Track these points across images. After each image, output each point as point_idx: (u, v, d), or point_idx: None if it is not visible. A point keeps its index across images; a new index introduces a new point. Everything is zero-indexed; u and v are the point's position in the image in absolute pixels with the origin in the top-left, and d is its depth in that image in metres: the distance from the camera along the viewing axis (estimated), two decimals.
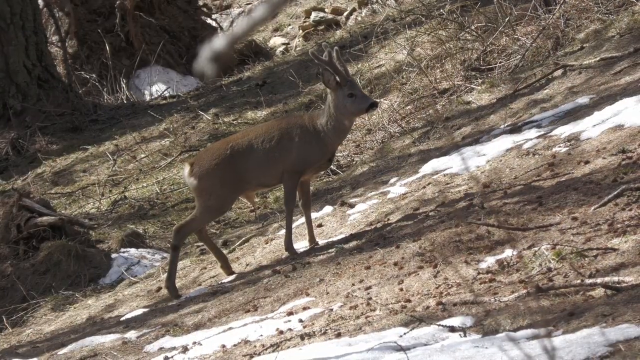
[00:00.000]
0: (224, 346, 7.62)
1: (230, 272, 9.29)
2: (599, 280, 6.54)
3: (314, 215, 10.06)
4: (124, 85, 17.96)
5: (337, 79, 9.05)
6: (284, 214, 9.26)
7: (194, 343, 7.88)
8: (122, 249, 11.96)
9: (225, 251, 10.40)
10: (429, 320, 6.66)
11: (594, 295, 6.48)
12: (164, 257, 11.67)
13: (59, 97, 16.72)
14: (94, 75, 18.33)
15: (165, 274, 9.35)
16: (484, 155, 9.70)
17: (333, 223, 9.66)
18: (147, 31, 19.19)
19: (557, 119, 10.03)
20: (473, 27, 13.04)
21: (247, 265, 9.57)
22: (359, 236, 9.00)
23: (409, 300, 7.28)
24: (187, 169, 9.01)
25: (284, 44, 21.12)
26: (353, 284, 7.94)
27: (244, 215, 12.53)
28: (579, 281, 6.63)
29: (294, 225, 10.09)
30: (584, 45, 11.71)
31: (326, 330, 7.18)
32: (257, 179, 9.02)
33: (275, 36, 21.77)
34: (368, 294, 7.66)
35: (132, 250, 11.93)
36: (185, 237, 9.18)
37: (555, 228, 7.58)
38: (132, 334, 8.73)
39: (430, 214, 8.80)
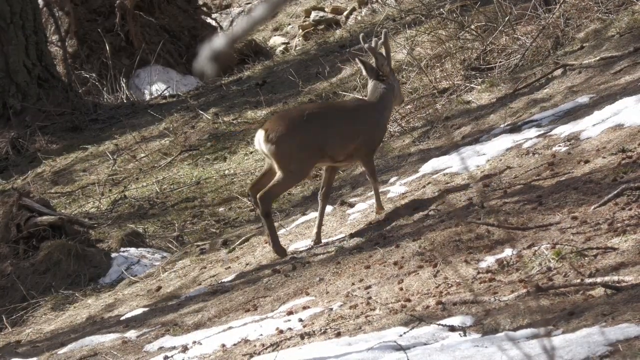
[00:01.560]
0: (223, 345, 7.62)
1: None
2: (598, 279, 6.54)
3: (313, 214, 10.06)
4: (124, 85, 17.96)
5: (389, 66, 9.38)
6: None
7: (194, 342, 7.88)
8: (122, 249, 11.96)
9: (225, 251, 10.41)
10: (428, 320, 6.66)
11: (594, 295, 6.48)
12: (164, 257, 11.67)
13: (58, 96, 16.71)
14: (93, 75, 18.33)
15: (270, 239, 9.14)
16: (483, 154, 9.70)
17: (333, 222, 9.66)
18: (147, 31, 19.19)
19: (557, 119, 10.03)
20: (473, 27, 13.04)
21: (247, 264, 9.57)
22: (359, 235, 9.00)
23: (408, 300, 7.28)
24: (261, 134, 8.91)
25: (283, 43, 21.12)
26: (353, 284, 7.95)
27: (244, 215, 12.53)
28: (578, 280, 6.63)
29: (294, 224, 10.10)
30: (584, 45, 11.71)
31: (326, 329, 7.18)
32: (331, 151, 9.04)
33: (275, 35, 21.77)
34: (368, 293, 7.66)
35: (132, 250, 11.93)
36: (271, 202, 9.07)
37: (555, 227, 7.58)
38: (132, 334, 8.73)
39: (430, 213, 8.80)
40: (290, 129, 8.91)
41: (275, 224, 10.44)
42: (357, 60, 9.73)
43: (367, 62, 9.44)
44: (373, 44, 9.41)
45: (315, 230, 9.25)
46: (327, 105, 9.24)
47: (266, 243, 9.91)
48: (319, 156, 9.01)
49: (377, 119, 9.21)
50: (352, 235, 9.08)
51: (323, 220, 9.27)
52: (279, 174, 8.90)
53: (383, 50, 9.43)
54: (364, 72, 9.49)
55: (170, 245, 12.13)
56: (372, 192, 9.38)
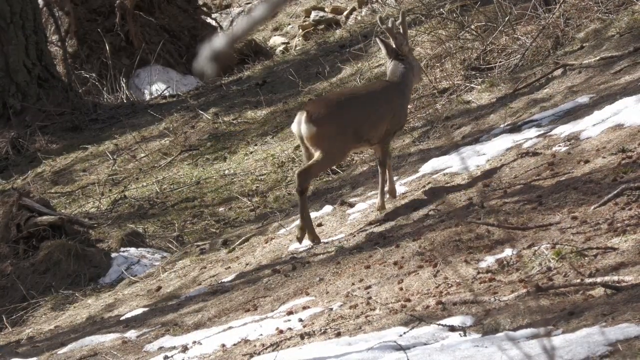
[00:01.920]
0: (223, 345, 7.62)
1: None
2: (598, 279, 6.54)
3: (313, 215, 10.06)
4: (124, 85, 17.96)
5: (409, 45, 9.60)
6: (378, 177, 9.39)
7: (194, 342, 7.88)
8: (122, 249, 11.96)
9: (225, 251, 10.41)
10: (428, 320, 6.66)
11: (594, 295, 6.48)
12: (164, 257, 11.67)
13: (58, 96, 16.71)
14: (93, 75, 18.33)
15: (300, 216, 9.11)
16: (483, 154, 9.70)
17: (333, 222, 9.66)
18: (147, 30, 19.19)
19: (557, 119, 10.03)
20: (473, 27, 13.04)
21: (247, 264, 9.57)
22: (359, 235, 9.00)
23: (408, 300, 7.28)
24: (303, 115, 8.95)
25: (283, 43, 21.12)
26: (353, 284, 7.94)
27: (243, 215, 12.53)
28: (578, 280, 6.63)
29: (293, 225, 10.10)
30: (584, 45, 11.71)
31: (326, 329, 7.18)
32: (367, 134, 9.13)
33: (275, 35, 21.77)
34: (368, 293, 7.66)
35: (132, 250, 11.93)
36: (308, 181, 9.07)
37: (555, 227, 7.58)
38: (132, 334, 8.73)
39: (430, 213, 8.80)
40: (331, 111, 9.01)
41: (275, 224, 10.45)
42: (377, 40, 9.84)
43: (388, 42, 9.56)
44: (390, 24, 9.51)
45: (379, 196, 9.32)
46: (359, 89, 9.37)
47: (266, 243, 9.92)
48: (357, 140, 9.11)
49: (400, 99, 9.37)
50: (352, 235, 9.08)
51: (384, 187, 9.36)
52: (318, 155, 8.96)
53: (401, 30, 9.55)
54: (384, 52, 9.62)
55: (170, 245, 12.13)
56: (368, 194, 9.39)
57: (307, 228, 9.10)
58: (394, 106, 9.29)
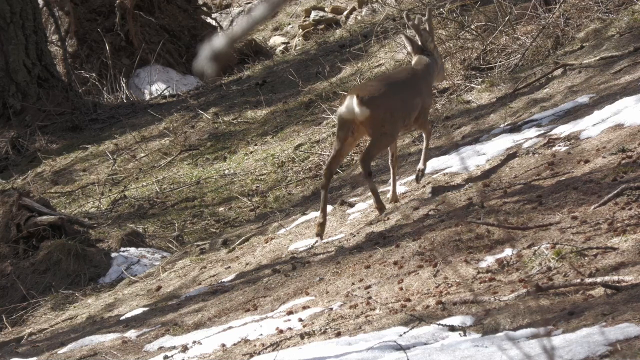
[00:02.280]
0: (223, 345, 7.62)
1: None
2: (598, 279, 6.53)
3: (313, 214, 10.07)
4: (124, 85, 17.96)
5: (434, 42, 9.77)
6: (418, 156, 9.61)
7: (194, 342, 7.88)
8: (122, 248, 11.96)
9: (224, 250, 10.41)
10: (428, 320, 6.66)
11: (594, 295, 6.48)
12: (164, 257, 11.67)
13: (58, 96, 16.72)
14: (93, 75, 18.33)
15: (375, 200, 9.21)
16: (483, 154, 9.70)
17: (333, 222, 9.66)
18: (147, 30, 19.19)
19: (557, 118, 10.03)
20: (473, 26, 13.04)
21: (247, 264, 9.57)
22: (359, 235, 8.99)
23: (408, 300, 7.28)
24: (354, 99, 9.00)
25: (283, 43, 21.13)
26: (353, 283, 7.94)
27: (243, 215, 12.53)
28: (578, 280, 6.62)
29: (294, 224, 10.11)
30: (584, 45, 11.71)
31: (326, 329, 7.18)
32: (408, 118, 9.24)
33: (275, 35, 21.77)
34: (368, 293, 7.65)
35: (132, 250, 11.93)
36: (370, 163, 9.16)
37: (555, 227, 7.58)
38: (131, 333, 8.73)
39: (430, 213, 8.80)
40: (382, 93, 9.09)
41: (275, 224, 10.45)
42: (402, 35, 9.92)
43: (412, 37, 9.69)
44: (417, 21, 9.57)
45: (391, 190, 9.43)
46: (397, 72, 9.49)
47: (266, 243, 9.92)
48: (402, 121, 9.21)
49: (425, 88, 9.52)
50: (352, 235, 9.08)
51: (395, 183, 9.49)
52: (373, 138, 9.06)
53: (427, 27, 9.62)
54: (410, 49, 9.73)
55: (170, 245, 12.14)
56: (368, 194, 9.39)
57: (375, 201, 9.20)
58: (424, 92, 9.45)
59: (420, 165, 9.50)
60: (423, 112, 9.35)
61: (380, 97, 9.05)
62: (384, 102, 9.05)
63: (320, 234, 9.21)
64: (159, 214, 13.15)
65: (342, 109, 9.06)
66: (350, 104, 9.00)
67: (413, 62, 9.65)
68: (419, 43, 9.60)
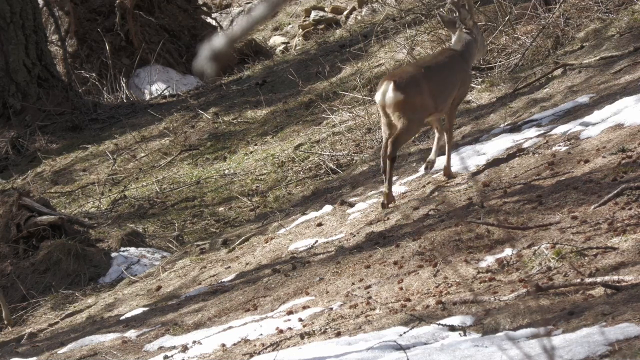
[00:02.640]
0: (223, 345, 7.62)
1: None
2: (598, 279, 6.53)
3: (313, 214, 10.07)
4: (124, 84, 17.96)
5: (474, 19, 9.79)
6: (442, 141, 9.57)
7: (194, 342, 7.88)
8: (122, 248, 11.96)
9: (224, 250, 10.41)
10: (428, 320, 6.66)
11: (594, 294, 6.48)
12: (164, 257, 11.67)
13: (58, 96, 16.71)
14: (93, 74, 18.33)
15: (386, 186, 9.30)
16: (483, 154, 9.70)
17: (333, 222, 9.66)
18: (147, 30, 19.19)
19: (557, 118, 10.03)
20: None
21: (247, 264, 9.57)
22: (359, 235, 8.99)
23: (408, 300, 7.28)
24: (390, 84, 9.12)
25: (283, 43, 21.12)
26: (353, 283, 7.94)
27: (243, 215, 12.53)
28: (578, 280, 6.62)
29: (294, 224, 10.11)
30: (584, 44, 11.71)
31: (326, 329, 7.18)
32: (441, 104, 9.33)
33: (275, 35, 21.76)
34: (368, 293, 7.65)
35: (132, 249, 11.93)
36: (398, 149, 9.29)
37: (555, 227, 7.58)
38: (131, 333, 8.73)
39: (430, 213, 8.80)
40: (416, 81, 9.16)
41: (275, 224, 10.45)
42: (438, 15, 10.12)
43: (446, 16, 9.76)
44: None
45: (446, 160, 9.50)
46: (432, 60, 9.55)
47: (266, 242, 9.92)
48: (432, 109, 9.29)
49: (465, 69, 9.55)
50: (352, 235, 9.08)
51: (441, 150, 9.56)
52: (402, 124, 9.14)
53: (466, 5, 9.75)
54: (448, 26, 9.80)
55: (170, 245, 12.13)
56: (368, 194, 9.39)
57: (386, 185, 9.28)
58: (461, 76, 9.48)
59: (445, 170, 9.53)
60: (458, 97, 9.45)
61: (416, 84, 9.13)
62: (417, 90, 9.12)
63: (385, 204, 9.27)
64: (159, 214, 13.15)
65: (377, 95, 9.20)
66: (387, 89, 9.11)
67: (453, 40, 9.71)
68: (458, 20, 9.66)
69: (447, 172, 9.49)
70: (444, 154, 9.53)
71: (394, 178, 10.23)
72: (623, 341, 5.58)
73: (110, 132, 16.15)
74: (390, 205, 9.29)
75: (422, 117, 9.26)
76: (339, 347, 6.64)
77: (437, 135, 9.54)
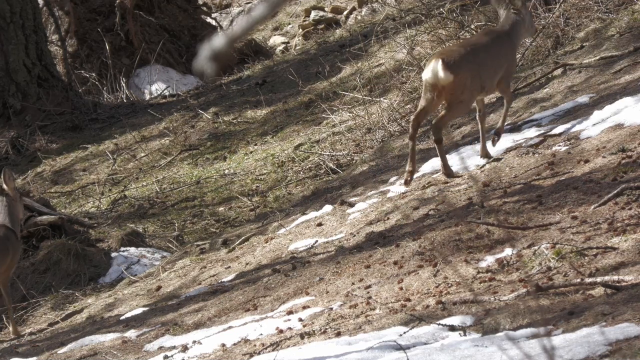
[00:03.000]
0: (223, 345, 7.62)
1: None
2: (598, 279, 6.53)
3: (313, 214, 10.07)
4: (124, 84, 17.95)
5: None
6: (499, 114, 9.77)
7: (194, 342, 7.88)
8: (122, 248, 11.96)
9: (224, 250, 10.41)
10: (428, 319, 6.66)
11: (594, 294, 6.48)
12: (164, 256, 11.67)
13: (58, 96, 16.71)
14: (93, 74, 18.32)
15: (442, 165, 9.42)
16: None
17: (333, 222, 9.66)
18: (147, 30, 19.19)
19: (557, 118, 10.03)
20: (473, 26, 13.04)
21: (247, 264, 9.56)
22: (359, 235, 8.99)
23: (408, 299, 7.28)
24: (439, 63, 9.09)
25: (283, 42, 21.12)
26: (353, 283, 7.94)
27: (243, 215, 12.53)
28: (578, 280, 6.62)
29: (294, 224, 10.10)
30: (584, 44, 11.71)
31: (326, 329, 7.18)
32: (488, 84, 9.35)
33: (275, 35, 21.76)
34: (368, 293, 7.65)
35: (132, 249, 11.93)
36: (442, 130, 9.31)
37: (555, 227, 7.58)
38: (131, 333, 8.73)
39: (430, 213, 8.80)
40: (466, 59, 9.17)
41: (275, 224, 10.45)
42: None
43: None
44: None
45: (480, 145, 9.54)
46: (479, 39, 9.56)
47: (266, 242, 9.92)
48: (480, 89, 9.29)
49: (511, 49, 9.55)
50: (352, 235, 9.07)
51: (484, 139, 9.58)
52: (449, 105, 9.16)
53: None
54: (493, 2, 9.80)
55: (170, 245, 12.14)
56: (368, 194, 9.38)
57: (443, 166, 9.36)
58: (509, 55, 9.48)
59: (497, 129, 9.55)
60: (506, 75, 9.43)
61: (464, 63, 9.13)
62: (468, 68, 9.12)
63: (408, 181, 9.35)
64: (159, 213, 13.15)
65: (427, 73, 9.18)
66: (435, 67, 9.11)
67: (500, 20, 9.71)
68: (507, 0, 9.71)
69: (484, 153, 9.52)
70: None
71: (394, 178, 10.24)
72: (623, 341, 5.58)
73: (110, 132, 16.15)
74: (449, 177, 9.33)
75: (470, 99, 9.26)
76: (339, 347, 6.64)
77: (478, 115, 9.58)
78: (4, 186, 9.53)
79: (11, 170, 10.16)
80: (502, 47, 9.45)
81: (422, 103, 9.27)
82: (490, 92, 9.53)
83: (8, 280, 9.95)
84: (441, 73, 9.03)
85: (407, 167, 9.40)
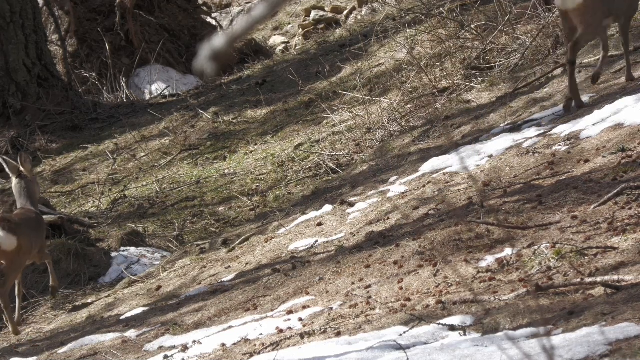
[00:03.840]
0: (223, 345, 7.62)
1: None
2: (598, 279, 6.53)
3: (313, 214, 10.07)
4: (124, 84, 17.96)
5: None
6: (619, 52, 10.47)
7: (194, 342, 7.88)
8: (122, 248, 11.96)
9: (224, 250, 10.41)
10: (428, 319, 6.66)
11: (594, 294, 6.48)
12: (164, 256, 11.67)
13: (58, 95, 16.71)
14: (93, 74, 18.33)
15: (569, 86, 9.96)
16: (483, 154, 9.69)
17: (333, 222, 9.66)
18: (147, 30, 19.19)
19: (557, 118, 10.03)
20: (473, 26, 13.04)
21: (247, 264, 9.57)
22: (359, 235, 8.99)
23: (408, 299, 7.28)
24: None
25: (283, 42, 21.12)
26: (353, 283, 7.94)
27: (243, 214, 12.53)
28: (578, 280, 6.62)
29: (294, 224, 10.11)
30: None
31: (326, 329, 7.18)
32: (616, 10, 9.88)
33: (275, 35, 21.77)
34: (368, 292, 7.65)
35: (132, 249, 11.93)
36: (577, 51, 9.90)
37: (555, 227, 7.57)
38: (131, 333, 8.73)
39: (430, 212, 8.80)
40: None
41: (275, 224, 10.45)
42: None
43: None
44: None
45: (626, 71, 10.20)
46: None
47: (266, 242, 9.91)
48: (607, 13, 9.80)
49: None
50: (352, 235, 9.08)
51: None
52: (581, 29, 9.73)
53: None
54: None
55: (170, 245, 12.14)
56: (368, 194, 9.38)
57: (570, 90, 9.87)
58: None
59: (598, 68, 10.04)
60: (630, 7, 9.95)
61: None
62: None
63: (567, 107, 9.85)
64: (159, 213, 13.15)
65: (557, 1, 9.80)
66: None
67: None
68: None
69: (630, 77, 10.02)
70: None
71: (394, 178, 10.24)
72: (623, 341, 5.58)
73: (110, 131, 16.15)
74: (579, 107, 9.74)
75: (599, 22, 9.72)
76: (339, 347, 6.64)
77: (602, 51, 9.99)
78: (21, 168, 9.60)
79: (27, 154, 10.23)
80: None
81: (565, 34, 9.92)
82: (616, 20, 9.97)
83: (47, 257, 9.97)
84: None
85: (567, 94, 9.88)
